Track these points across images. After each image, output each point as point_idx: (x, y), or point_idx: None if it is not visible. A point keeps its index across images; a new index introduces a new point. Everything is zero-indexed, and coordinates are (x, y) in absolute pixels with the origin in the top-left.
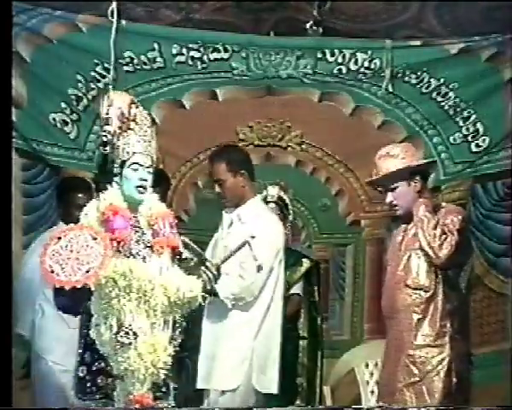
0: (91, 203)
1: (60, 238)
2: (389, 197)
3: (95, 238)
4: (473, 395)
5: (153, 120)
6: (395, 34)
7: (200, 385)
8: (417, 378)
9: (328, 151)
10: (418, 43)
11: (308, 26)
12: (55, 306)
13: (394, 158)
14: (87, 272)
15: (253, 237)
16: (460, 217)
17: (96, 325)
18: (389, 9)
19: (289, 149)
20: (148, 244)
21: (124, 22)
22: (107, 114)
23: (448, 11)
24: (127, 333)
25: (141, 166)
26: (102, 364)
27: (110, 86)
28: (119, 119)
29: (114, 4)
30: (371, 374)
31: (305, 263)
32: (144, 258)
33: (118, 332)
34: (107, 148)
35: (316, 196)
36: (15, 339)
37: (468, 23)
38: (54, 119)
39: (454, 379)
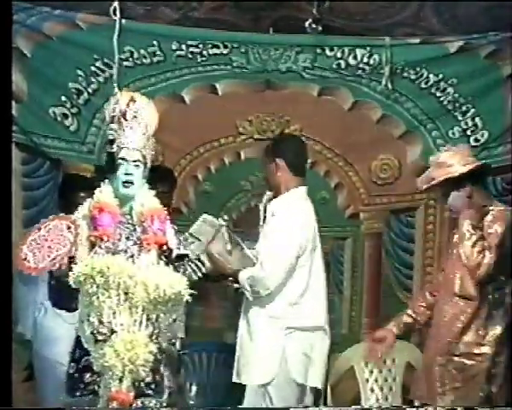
0: (86, 202)
1: (40, 229)
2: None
3: (69, 227)
4: None
5: None
6: (394, 32)
7: (234, 379)
8: (459, 384)
9: (327, 145)
10: (417, 40)
11: (307, 24)
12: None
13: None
14: (54, 259)
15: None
16: (503, 225)
17: (81, 321)
18: (388, 8)
19: None
20: (138, 241)
21: (124, 21)
22: (114, 112)
23: (447, 9)
24: (103, 329)
25: (126, 160)
26: (89, 361)
27: (115, 85)
28: (119, 116)
29: (116, 3)
30: (371, 372)
31: None
32: (133, 255)
33: (95, 328)
34: (114, 146)
35: (315, 190)
36: (17, 339)
37: (468, 21)
38: (54, 112)
39: (494, 388)
